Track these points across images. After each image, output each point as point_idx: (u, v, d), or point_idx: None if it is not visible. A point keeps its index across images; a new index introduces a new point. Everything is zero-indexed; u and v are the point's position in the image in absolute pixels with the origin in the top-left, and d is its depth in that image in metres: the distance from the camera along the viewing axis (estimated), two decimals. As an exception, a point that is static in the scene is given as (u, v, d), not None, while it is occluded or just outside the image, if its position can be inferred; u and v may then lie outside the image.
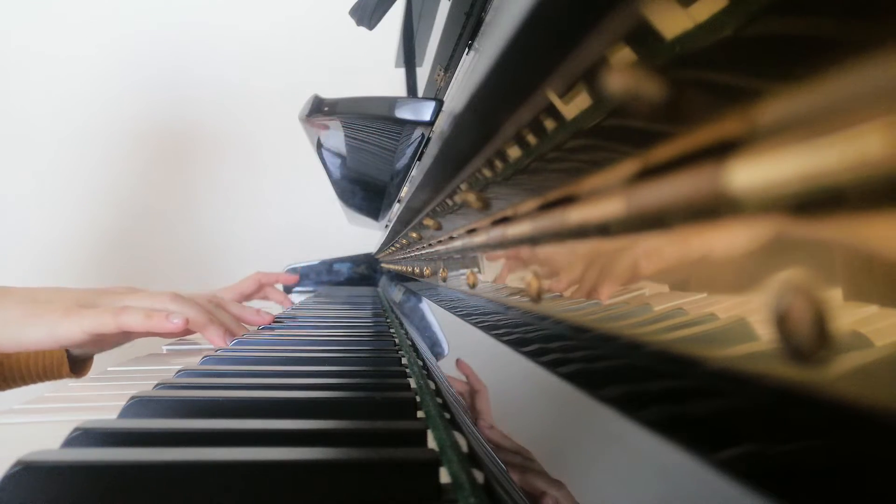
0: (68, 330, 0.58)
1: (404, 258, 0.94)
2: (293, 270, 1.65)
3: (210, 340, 0.65)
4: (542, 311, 0.25)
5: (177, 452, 0.25)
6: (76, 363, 0.75)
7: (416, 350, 0.57)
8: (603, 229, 0.17)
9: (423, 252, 0.70)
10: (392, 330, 0.71)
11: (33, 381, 0.75)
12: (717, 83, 0.11)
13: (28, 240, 1.75)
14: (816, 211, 0.09)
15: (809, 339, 0.09)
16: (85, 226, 1.78)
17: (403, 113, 0.53)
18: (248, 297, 1.05)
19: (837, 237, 0.09)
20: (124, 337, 0.66)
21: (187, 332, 0.63)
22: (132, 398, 0.34)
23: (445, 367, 0.47)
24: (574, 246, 0.21)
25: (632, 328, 0.17)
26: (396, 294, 1.12)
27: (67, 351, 0.72)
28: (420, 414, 0.35)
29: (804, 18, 0.09)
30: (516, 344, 0.32)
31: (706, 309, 0.13)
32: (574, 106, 0.16)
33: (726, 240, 0.12)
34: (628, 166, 0.15)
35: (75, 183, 1.78)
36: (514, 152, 0.23)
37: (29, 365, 0.72)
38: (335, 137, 0.69)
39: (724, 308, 0.12)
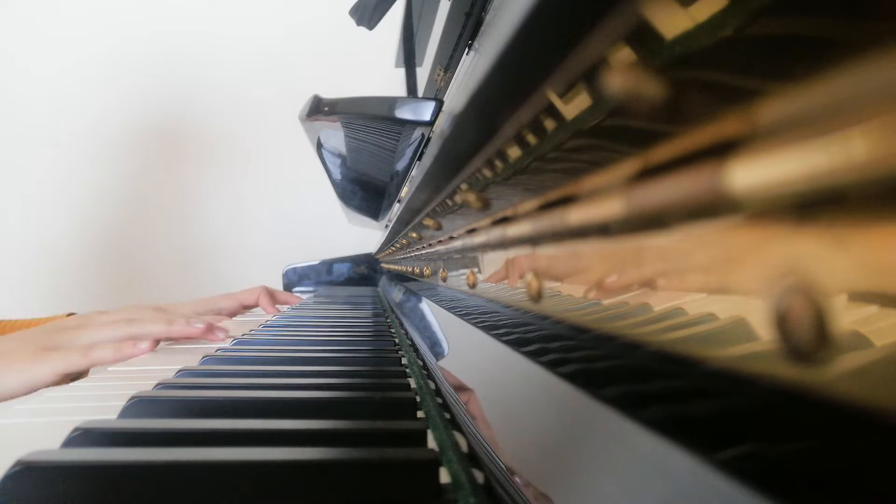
0: (42, 375, 0.58)
1: (404, 258, 0.94)
2: (293, 271, 1.65)
3: (191, 338, 0.67)
4: (542, 311, 0.25)
5: (177, 452, 0.25)
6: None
7: (416, 350, 0.57)
8: (603, 229, 0.17)
9: (423, 252, 0.70)
10: (392, 330, 0.71)
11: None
12: (717, 83, 0.11)
13: (26, 240, 1.75)
14: (816, 211, 0.09)
15: (809, 340, 0.09)
16: (84, 227, 1.78)
17: (403, 113, 0.53)
18: (248, 307, 1.05)
19: (837, 237, 0.09)
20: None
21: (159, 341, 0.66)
22: (132, 398, 0.34)
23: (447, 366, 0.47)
24: (574, 246, 0.21)
25: (632, 328, 0.17)
26: (396, 294, 1.12)
27: None
28: (420, 414, 0.35)
29: (804, 18, 0.09)
30: (516, 344, 0.32)
31: (706, 309, 0.13)
32: (574, 106, 0.16)
33: (726, 240, 0.12)
34: (628, 166, 0.15)
35: (75, 184, 1.78)
36: (514, 152, 0.23)
37: None
38: (335, 137, 0.69)
39: (724, 308, 0.12)
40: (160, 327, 0.66)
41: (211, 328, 0.69)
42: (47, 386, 0.59)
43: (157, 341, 0.65)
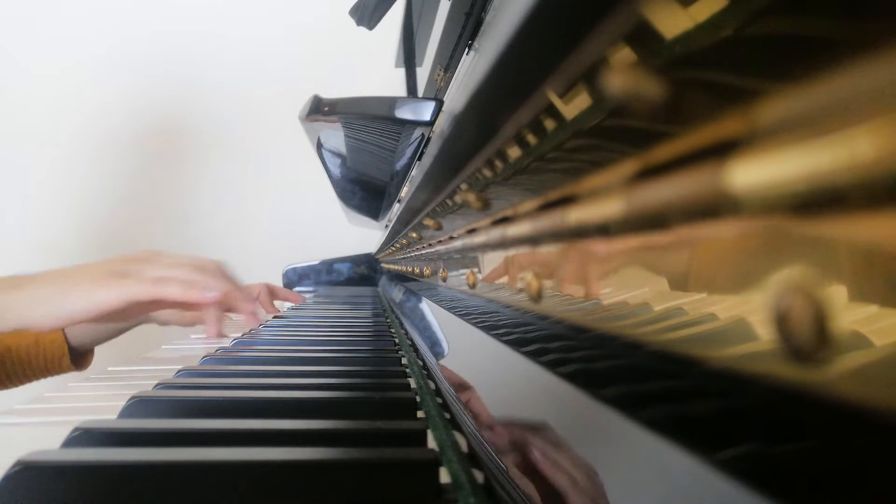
0: (106, 297, 0.59)
1: (404, 258, 0.94)
2: (293, 271, 1.64)
3: (238, 310, 0.68)
4: (542, 310, 0.25)
5: (177, 452, 0.25)
6: (76, 357, 0.75)
7: (416, 350, 0.57)
8: (603, 229, 0.17)
9: (423, 252, 0.70)
10: (392, 330, 0.71)
11: (35, 377, 0.75)
12: (717, 83, 0.11)
13: (26, 240, 1.75)
14: (816, 211, 0.09)
15: (809, 339, 0.09)
16: (83, 227, 1.78)
17: (403, 113, 0.53)
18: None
19: (837, 237, 0.09)
20: (152, 308, 0.68)
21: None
22: (132, 398, 0.34)
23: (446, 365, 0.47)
24: (574, 246, 0.21)
25: (632, 328, 0.17)
26: (396, 294, 1.12)
27: (68, 343, 0.72)
28: (420, 414, 0.35)
29: (804, 18, 0.09)
30: (516, 344, 0.32)
31: (706, 309, 0.13)
32: (574, 106, 0.16)
33: (726, 240, 0.12)
34: (628, 166, 0.15)
35: (75, 184, 1.78)
36: (514, 152, 0.23)
37: (31, 359, 0.73)
38: (335, 137, 0.69)
39: (724, 308, 0.12)
40: (224, 286, 0.66)
41: (255, 315, 0.69)
42: (112, 310, 0.60)
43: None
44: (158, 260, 0.66)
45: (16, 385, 0.76)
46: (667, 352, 0.15)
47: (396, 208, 0.79)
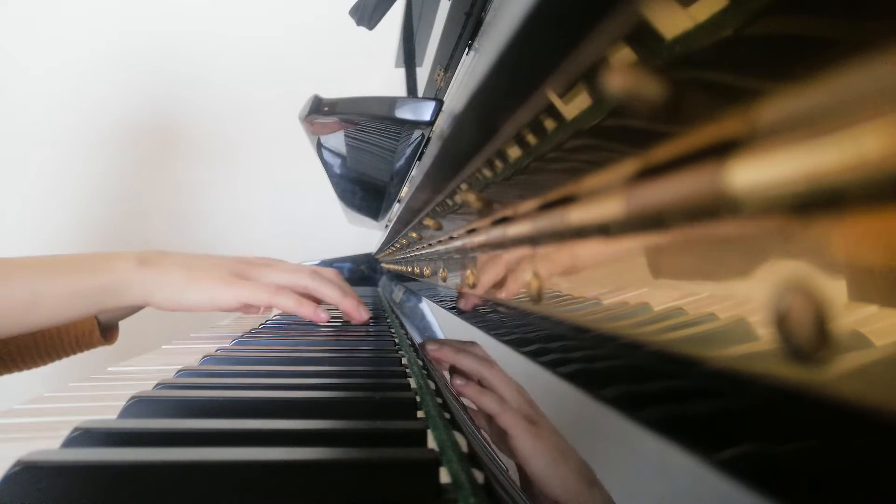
0: (225, 297, 0.63)
1: (404, 258, 0.94)
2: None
3: (351, 319, 0.71)
4: (543, 310, 0.25)
5: (177, 452, 0.25)
6: (104, 331, 0.75)
7: (416, 350, 0.57)
8: (603, 229, 0.17)
9: (423, 252, 0.70)
10: (392, 330, 0.71)
11: (66, 353, 0.76)
12: (717, 83, 0.11)
13: (24, 239, 1.75)
14: (816, 211, 0.09)
15: (809, 339, 0.09)
16: (82, 227, 1.78)
17: (403, 113, 0.53)
18: None
19: (837, 237, 0.09)
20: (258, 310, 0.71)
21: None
22: (132, 398, 0.34)
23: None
24: (574, 246, 0.21)
25: (632, 328, 0.17)
26: (396, 294, 1.12)
27: (97, 319, 0.73)
28: (420, 414, 0.35)
29: (804, 18, 0.09)
30: (516, 344, 0.32)
31: (706, 309, 0.13)
32: (574, 106, 0.16)
33: (726, 239, 0.12)
34: (628, 166, 0.15)
35: (73, 183, 1.78)
36: (514, 152, 0.23)
37: (62, 334, 0.73)
38: (335, 137, 0.69)
39: (725, 308, 0.12)
40: (336, 294, 0.68)
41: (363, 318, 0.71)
42: (227, 309, 0.64)
43: (320, 304, 0.68)
44: (276, 264, 0.69)
45: (47, 362, 0.77)
46: (667, 352, 0.15)
47: (396, 208, 0.79)
